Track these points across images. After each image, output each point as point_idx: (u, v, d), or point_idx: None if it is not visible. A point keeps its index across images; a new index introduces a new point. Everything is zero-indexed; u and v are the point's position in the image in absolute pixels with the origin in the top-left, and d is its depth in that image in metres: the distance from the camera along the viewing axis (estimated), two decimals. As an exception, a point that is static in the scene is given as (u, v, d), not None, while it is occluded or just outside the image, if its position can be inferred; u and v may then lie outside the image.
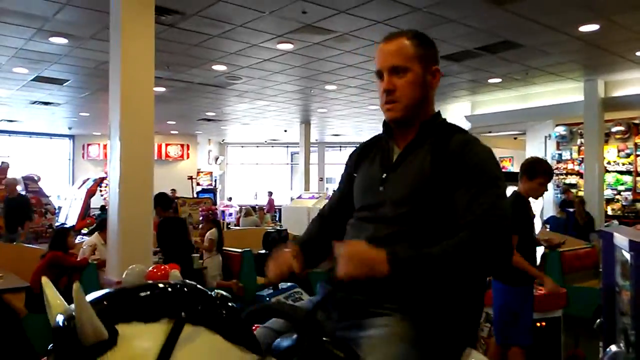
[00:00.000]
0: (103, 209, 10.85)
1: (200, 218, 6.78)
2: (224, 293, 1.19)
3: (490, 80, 9.36)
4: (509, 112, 10.84)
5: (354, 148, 1.76)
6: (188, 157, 18.50)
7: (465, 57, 7.54)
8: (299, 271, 1.53)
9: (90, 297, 0.98)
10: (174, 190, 13.17)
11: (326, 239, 1.59)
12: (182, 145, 18.36)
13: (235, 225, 12.37)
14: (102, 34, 6.08)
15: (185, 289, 1.10)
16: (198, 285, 1.16)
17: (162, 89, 9.34)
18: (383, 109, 1.54)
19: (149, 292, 1.05)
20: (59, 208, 12.14)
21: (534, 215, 3.53)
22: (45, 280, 1.06)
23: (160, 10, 5.26)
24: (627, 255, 2.29)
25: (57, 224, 10.58)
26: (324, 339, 1.26)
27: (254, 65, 8.11)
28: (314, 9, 5.67)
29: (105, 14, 4.71)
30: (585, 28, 6.33)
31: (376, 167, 1.56)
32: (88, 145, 17.56)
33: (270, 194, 17.43)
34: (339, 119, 13.84)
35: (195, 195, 14.87)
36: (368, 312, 1.35)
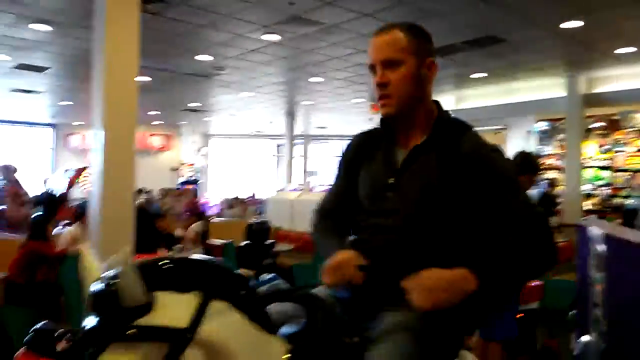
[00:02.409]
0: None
1: (187, 213, 6.77)
2: (246, 272, 1.24)
3: (475, 75, 9.44)
4: (493, 106, 10.96)
5: (349, 141, 1.67)
6: (171, 148, 18.35)
7: (450, 52, 7.60)
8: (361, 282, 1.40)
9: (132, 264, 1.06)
10: (140, 190, 13.03)
11: (343, 234, 1.61)
12: (165, 136, 18.19)
13: (217, 217, 12.34)
14: (85, 21, 5.98)
15: (215, 266, 1.19)
16: (223, 263, 1.26)
17: (146, 79, 9.25)
18: (378, 105, 1.49)
19: (183, 265, 1.14)
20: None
21: None
22: (84, 248, 1.16)
23: (145, -1, 5.22)
24: (601, 248, 2.35)
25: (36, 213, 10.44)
26: (334, 328, 1.32)
27: (239, 55, 8.07)
28: (300, 0, 5.66)
29: (89, 1, 4.66)
30: (567, 25, 6.41)
31: (379, 168, 1.50)
32: (69, 134, 17.31)
33: (255, 187, 17.35)
34: (324, 111, 13.84)
35: (177, 187, 14.80)
36: (382, 309, 1.38)
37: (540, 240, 1.34)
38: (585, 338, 2.59)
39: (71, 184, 10.84)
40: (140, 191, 12.69)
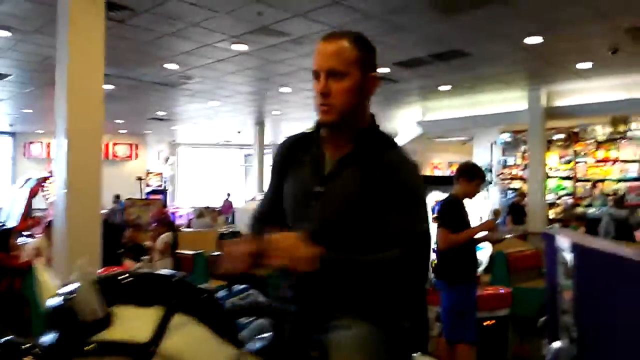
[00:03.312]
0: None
1: (155, 224, 6.62)
2: (211, 287, 1.23)
3: (441, 88, 9.62)
4: (459, 118, 11.19)
5: (279, 145, 1.67)
6: (137, 157, 18.00)
7: (416, 64, 7.73)
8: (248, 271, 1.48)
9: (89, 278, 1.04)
10: (118, 196, 12.80)
11: None
12: (130, 145, 17.84)
13: (186, 227, 12.14)
14: (48, 27, 5.83)
15: (178, 280, 1.17)
16: (187, 278, 1.23)
17: (111, 87, 9.07)
18: (317, 110, 1.49)
19: (144, 279, 1.13)
20: (-1, 209, 11.57)
21: (467, 214, 3.70)
22: (38, 265, 1.19)
23: (110, 6, 5.11)
24: (569, 257, 2.41)
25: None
26: (301, 339, 1.33)
27: (207, 65, 8.00)
28: (269, 11, 5.66)
29: (52, 7, 4.54)
30: (529, 40, 6.61)
31: (307, 175, 1.52)
32: (30, 143, 16.78)
33: (228, 195, 17.19)
34: (293, 121, 13.85)
35: (144, 197, 14.50)
36: (329, 321, 1.39)
37: (417, 260, 1.40)
38: (556, 344, 2.63)
39: (33, 194, 10.49)
40: (117, 197, 12.44)
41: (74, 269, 1.04)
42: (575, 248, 2.33)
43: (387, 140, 1.53)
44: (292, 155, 1.59)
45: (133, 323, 1.02)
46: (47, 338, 1.01)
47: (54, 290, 1.07)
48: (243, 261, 1.39)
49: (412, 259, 1.38)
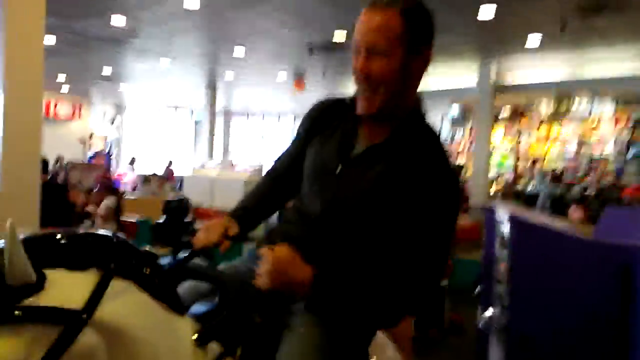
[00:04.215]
0: None
1: (97, 187, 6.41)
2: (152, 250, 1.17)
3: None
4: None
5: (318, 102, 1.52)
6: (80, 118, 17.24)
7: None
8: (235, 233, 1.42)
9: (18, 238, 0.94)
10: (60, 158, 12.29)
11: (274, 202, 1.57)
12: (73, 105, 17.04)
13: (131, 193, 11.86)
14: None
15: (116, 241, 1.09)
16: (128, 240, 1.14)
17: (53, 38, 8.54)
18: (356, 91, 1.34)
19: (79, 240, 1.04)
20: None
21: None
22: None
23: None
24: (506, 229, 2.52)
25: None
26: (246, 307, 1.29)
27: (156, 21, 7.67)
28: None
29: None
30: (482, 14, 6.69)
31: (332, 149, 1.38)
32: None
33: (170, 163, 16.51)
34: (247, 85, 13.59)
35: (86, 160, 13.99)
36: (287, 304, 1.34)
37: (421, 292, 1.29)
38: (488, 312, 2.78)
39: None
40: (57, 161, 11.89)
41: (1, 230, 0.95)
42: (512, 221, 2.45)
43: (428, 135, 1.36)
44: (324, 121, 1.45)
45: (66, 288, 0.95)
46: None
47: None
48: (217, 234, 1.37)
49: (418, 278, 1.26)
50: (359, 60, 1.28)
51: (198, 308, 1.30)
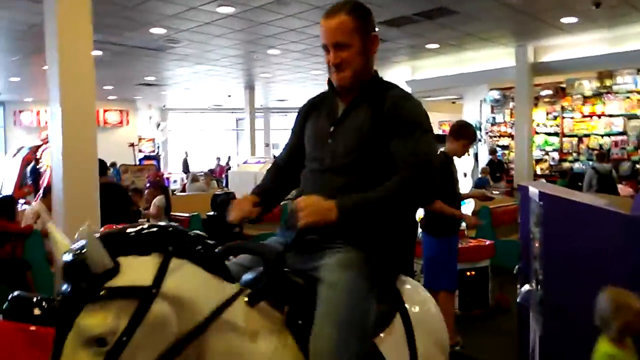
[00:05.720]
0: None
1: (147, 185, 6.74)
2: (201, 232, 1.40)
3: (428, 46, 9.63)
4: (447, 77, 11.22)
5: (302, 104, 1.93)
6: (128, 124, 17.94)
7: (403, 23, 7.73)
8: (255, 215, 1.78)
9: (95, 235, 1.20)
10: (113, 164, 12.83)
11: (281, 187, 1.92)
12: (121, 112, 17.74)
13: (181, 192, 12.29)
14: (32, -6, 5.81)
15: (170, 229, 1.33)
16: (180, 226, 1.40)
17: (99, 53, 9.00)
18: (332, 77, 1.73)
19: (142, 232, 1.29)
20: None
21: (456, 172, 3.85)
22: (51, 225, 1.34)
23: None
24: (537, 205, 2.59)
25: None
26: (285, 270, 1.52)
27: (194, 28, 7.96)
28: (255, -27, 5.64)
29: (37, -26, 4.53)
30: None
31: (323, 121, 1.77)
32: (20, 111, 16.66)
33: (219, 159, 17.44)
34: (283, 83, 13.81)
35: (137, 163, 14.54)
36: (321, 247, 1.61)
37: (420, 179, 1.57)
38: (525, 287, 2.84)
39: (26, 163, 10.55)
40: (113, 165, 12.45)
41: (81, 229, 1.20)
42: (543, 197, 2.52)
43: (390, 84, 1.77)
44: (311, 110, 1.86)
45: (137, 270, 1.19)
46: (64, 288, 1.18)
47: (67, 247, 1.23)
48: (249, 205, 1.77)
49: (416, 180, 1.57)
50: (331, 55, 1.68)
51: (246, 276, 1.54)
